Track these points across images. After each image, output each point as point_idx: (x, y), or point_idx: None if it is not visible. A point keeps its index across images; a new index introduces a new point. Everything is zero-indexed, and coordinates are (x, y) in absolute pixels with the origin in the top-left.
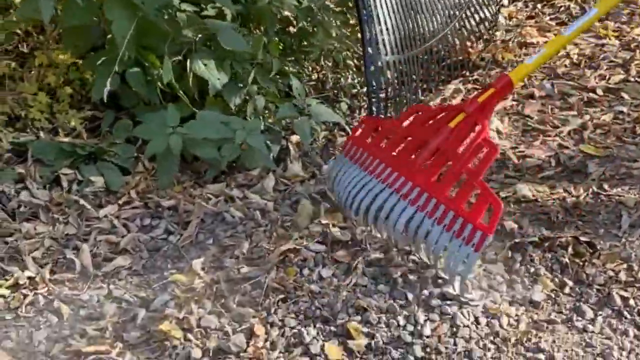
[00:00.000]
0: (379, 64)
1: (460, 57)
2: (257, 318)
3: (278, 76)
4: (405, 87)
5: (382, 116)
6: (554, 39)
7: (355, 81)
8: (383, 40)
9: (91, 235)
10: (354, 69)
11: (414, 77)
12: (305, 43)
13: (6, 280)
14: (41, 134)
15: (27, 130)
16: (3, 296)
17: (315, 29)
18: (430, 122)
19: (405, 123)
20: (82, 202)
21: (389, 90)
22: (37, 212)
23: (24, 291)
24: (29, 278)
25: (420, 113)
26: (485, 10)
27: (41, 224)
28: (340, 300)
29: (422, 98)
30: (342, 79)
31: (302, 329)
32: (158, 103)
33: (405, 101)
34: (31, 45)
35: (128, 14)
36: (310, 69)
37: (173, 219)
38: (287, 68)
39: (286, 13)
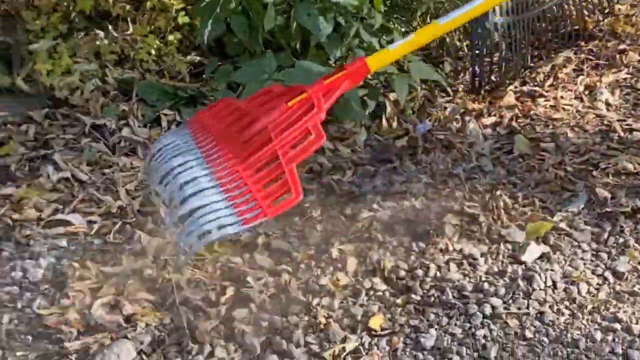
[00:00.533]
0: (487, 25)
1: (576, 27)
2: None
3: (381, 31)
4: (513, 51)
5: (485, 80)
6: (427, 27)
7: (464, 44)
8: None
9: None
10: (461, 30)
11: (523, 42)
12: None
13: (99, 208)
14: (147, 75)
15: (134, 70)
16: (95, 222)
17: None
18: (272, 100)
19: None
20: None
21: (496, 53)
22: (135, 148)
23: (114, 220)
24: (120, 208)
25: (271, 92)
26: None
27: (138, 159)
28: None
29: (531, 65)
30: (447, 39)
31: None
32: (260, 51)
33: (512, 65)
34: None
35: None
36: (417, 26)
37: None
38: (390, 24)
39: None
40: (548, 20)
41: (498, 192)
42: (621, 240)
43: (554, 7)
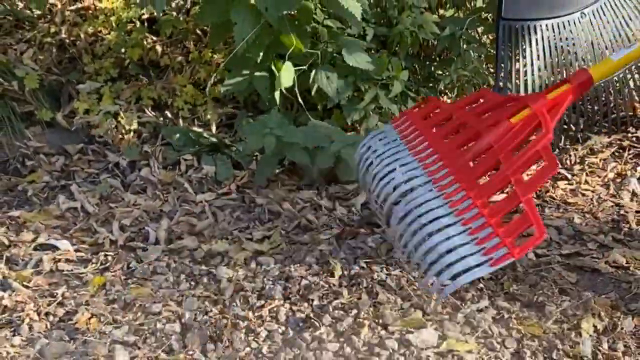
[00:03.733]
0: None
1: (624, 112)
2: None
3: (401, 98)
4: None
5: None
6: None
7: None
8: (520, 82)
9: (177, 214)
10: None
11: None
12: (439, 72)
13: (91, 237)
14: (180, 121)
15: (167, 116)
16: (81, 250)
17: (454, 57)
18: (491, 112)
19: (466, 108)
20: (186, 185)
21: None
22: (146, 187)
23: (99, 250)
24: (110, 240)
25: (483, 100)
26: None
27: (144, 198)
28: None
29: (565, 145)
30: None
31: None
32: (284, 109)
33: None
34: (203, 43)
35: (251, 18)
36: (445, 96)
37: (262, 215)
38: (410, 92)
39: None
40: (593, 101)
41: None
42: None
43: (602, 89)
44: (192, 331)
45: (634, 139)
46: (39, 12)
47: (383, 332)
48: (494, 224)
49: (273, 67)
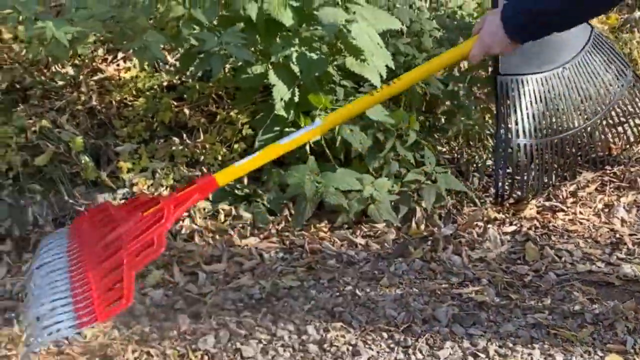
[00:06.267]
0: (510, 146)
1: (601, 152)
2: None
3: (415, 147)
4: (536, 171)
5: (506, 195)
6: (269, 146)
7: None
8: (517, 127)
9: (224, 255)
10: (490, 149)
11: (547, 163)
12: (444, 122)
13: (153, 279)
14: None
15: (201, 172)
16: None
17: (456, 110)
18: (135, 208)
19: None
20: (230, 231)
21: (519, 172)
22: (193, 235)
23: (167, 292)
24: (171, 282)
25: (138, 201)
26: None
27: (193, 245)
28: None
29: (556, 183)
30: (476, 157)
31: None
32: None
33: (535, 183)
34: (222, 105)
35: (288, 80)
36: (448, 144)
37: (305, 254)
38: (423, 140)
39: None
40: (576, 144)
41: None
42: None
43: (582, 133)
44: None
45: (612, 174)
46: (61, 82)
47: None
48: (95, 295)
49: (302, 123)
